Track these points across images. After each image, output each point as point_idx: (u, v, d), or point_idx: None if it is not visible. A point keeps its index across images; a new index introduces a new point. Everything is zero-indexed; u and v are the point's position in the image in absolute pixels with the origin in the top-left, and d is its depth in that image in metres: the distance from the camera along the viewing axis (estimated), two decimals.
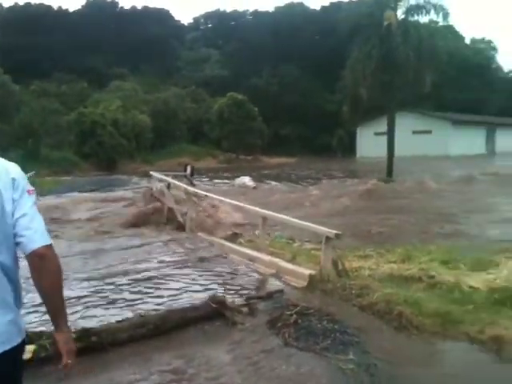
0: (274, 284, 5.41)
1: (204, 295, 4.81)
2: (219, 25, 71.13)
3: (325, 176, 27.12)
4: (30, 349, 3.40)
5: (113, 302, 4.89)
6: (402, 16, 25.34)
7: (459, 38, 64.28)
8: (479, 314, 4.42)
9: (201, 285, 5.48)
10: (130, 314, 4.37)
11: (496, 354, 3.76)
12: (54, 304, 1.87)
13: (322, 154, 47.69)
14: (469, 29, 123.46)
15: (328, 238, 5.36)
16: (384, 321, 4.43)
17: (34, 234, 1.77)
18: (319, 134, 52.55)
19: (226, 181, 24.16)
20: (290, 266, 5.87)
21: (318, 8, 65.07)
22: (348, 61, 26.26)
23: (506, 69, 70.17)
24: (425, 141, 42.13)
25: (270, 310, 4.63)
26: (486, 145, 48.09)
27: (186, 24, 75.79)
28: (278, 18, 61.13)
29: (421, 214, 12.23)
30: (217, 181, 24.38)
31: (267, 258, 6.27)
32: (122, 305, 4.79)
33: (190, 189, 9.77)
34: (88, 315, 4.48)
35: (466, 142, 43.31)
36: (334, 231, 5.39)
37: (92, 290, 5.33)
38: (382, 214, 12.31)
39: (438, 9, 24.58)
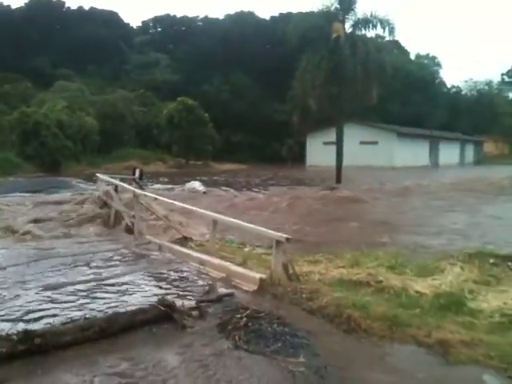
0: (224, 288, 5.34)
1: (152, 298, 4.70)
2: (169, 29, 70.25)
3: (275, 183, 27.29)
4: None
5: (58, 305, 4.70)
6: (350, 29, 26.07)
7: (404, 52, 66.81)
8: (426, 318, 4.51)
9: (149, 288, 5.36)
10: (75, 317, 4.20)
11: (443, 356, 3.83)
12: None
13: (272, 161, 48.08)
14: (414, 44, 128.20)
15: (278, 242, 5.36)
16: (334, 324, 4.44)
17: None
18: (270, 142, 53.06)
19: (176, 186, 23.84)
20: (240, 269, 5.82)
21: (267, 18, 65.35)
22: (297, 71, 26.65)
23: (448, 84, 73.62)
24: (371, 151, 43.39)
25: (220, 314, 4.57)
26: (430, 157, 50.08)
27: (134, 27, 74.18)
28: (228, 25, 61.14)
29: (365, 222, 12.52)
30: (166, 186, 24.01)
31: (217, 261, 6.20)
32: (68, 307, 4.60)
33: (138, 191, 9.55)
34: (32, 318, 4.28)
35: (411, 153, 44.99)
36: (285, 235, 5.39)
37: (36, 294, 5.10)
38: (328, 221, 12.52)
39: (385, 23, 25.43)
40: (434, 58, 72.09)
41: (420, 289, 5.30)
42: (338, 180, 25.62)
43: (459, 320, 4.51)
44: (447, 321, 4.47)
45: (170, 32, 69.47)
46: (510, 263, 5.93)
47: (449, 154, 53.04)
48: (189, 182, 22.99)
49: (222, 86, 56.72)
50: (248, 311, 4.53)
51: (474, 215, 13.56)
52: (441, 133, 53.45)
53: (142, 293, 5.11)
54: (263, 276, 5.38)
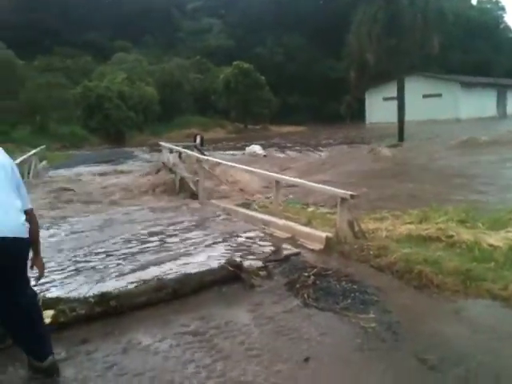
0: (290, 248, 5.38)
1: (221, 259, 4.80)
2: None
3: (336, 142, 26.88)
4: (48, 314, 3.41)
5: (131, 267, 4.91)
6: None
7: None
8: (501, 271, 4.35)
9: (217, 250, 5.48)
10: (147, 278, 4.38)
11: None
12: (35, 238, 2.95)
13: (331, 121, 47.20)
14: None
15: (343, 200, 5.30)
16: (404, 280, 4.37)
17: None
18: (327, 101, 51.97)
19: (236, 152, 24.03)
20: (305, 229, 5.83)
21: None
22: (352, 25, 25.68)
23: None
24: (435, 104, 41.54)
25: (288, 273, 4.61)
26: (497, 107, 47.34)
27: None
28: None
29: (433, 179, 12.12)
30: (227, 151, 24.25)
31: (282, 222, 6.23)
32: (140, 269, 4.80)
33: (202, 157, 9.70)
34: (106, 281, 4.50)
35: (477, 104, 42.68)
36: (350, 192, 5.32)
37: (109, 257, 5.36)
38: (394, 178, 12.22)
39: None
40: (497, 2, 67.07)
41: (493, 242, 5.09)
42: (401, 137, 24.79)
43: None
44: None
45: None
46: None
47: None
48: (249, 146, 23.14)
49: (276, 47, 55.86)
50: (315, 269, 4.54)
51: None
52: (508, 80, 50.16)
53: (210, 254, 5.24)
54: (329, 234, 5.36)
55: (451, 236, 5.32)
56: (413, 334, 3.46)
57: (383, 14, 23.74)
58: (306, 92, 52.86)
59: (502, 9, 67.34)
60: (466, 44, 53.69)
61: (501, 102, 47.88)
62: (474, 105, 42.26)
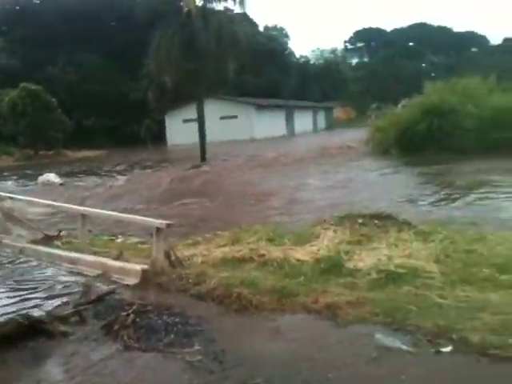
0: (103, 285, 4.98)
1: (17, 309, 4.21)
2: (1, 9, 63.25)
3: (138, 166, 26.42)
4: None
5: None
6: (202, 2, 25.84)
7: (254, 25, 67.95)
8: (311, 284, 4.65)
9: (13, 299, 4.78)
10: None
11: (332, 319, 3.97)
12: None
13: (132, 144, 46.11)
14: (262, 17, 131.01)
15: (159, 229, 5.12)
16: (224, 305, 4.39)
17: None
18: (128, 123, 50.79)
19: (28, 181, 21.87)
20: (118, 263, 5.47)
21: None
22: (151, 47, 25.81)
23: (297, 54, 77.12)
24: (232, 125, 43.93)
25: (104, 314, 4.26)
26: (287, 127, 52.13)
27: None
28: (67, 2, 56.63)
29: (237, 195, 12.68)
30: (16, 181, 21.98)
31: (91, 258, 5.76)
32: None
33: None
34: None
35: (269, 125, 46.44)
36: (165, 222, 5.17)
37: None
38: (198, 198, 12.42)
39: None
40: (281, 29, 74.67)
41: (300, 256, 5.43)
42: (203, 158, 25.57)
43: (341, 282, 4.70)
44: (331, 284, 4.64)
45: (2, 12, 62.43)
46: (376, 221, 6.34)
47: (303, 122, 55.78)
48: (42, 174, 21.20)
49: (68, 66, 52.85)
50: (134, 306, 4.28)
51: (327, 180, 14.39)
52: (295, 102, 55.83)
53: (4, 307, 4.52)
54: (145, 267, 5.11)
55: (263, 255, 5.53)
56: (239, 360, 3.45)
57: (180, 37, 24.34)
58: (105, 114, 50.86)
59: (287, 36, 74.97)
60: (257, 68, 58.15)
61: (289, 122, 52.90)
62: (266, 125, 45.84)
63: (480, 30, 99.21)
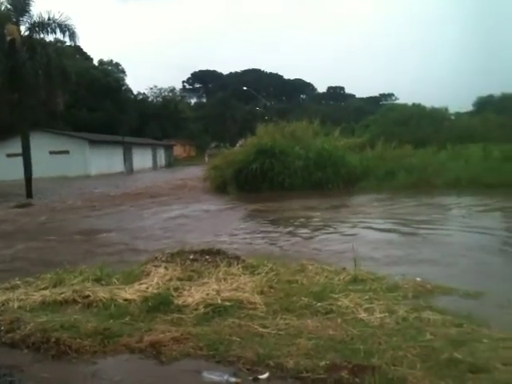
0: None
1: None
2: None
3: None
4: None
5: None
6: (27, 32, 24.39)
7: (88, 58, 65.98)
8: (137, 324, 4.54)
9: None
10: None
11: (156, 358, 3.92)
12: None
13: None
14: (98, 51, 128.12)
15: None
16: (41, 352, 4.12)
17: None
18: None
19: None
20: None
21: None
22: None
23: (135, 91, 76.38)
24: (63, 161, 41.76)
25: None
26: (125, 163, 51.04)
27: None
28: None
29: (67, 235, 11.92)
30: None
31: None
32: None
33: None
34: None
35: (105, 161, 45.11)
36: None
37: None
38: (25, 240, 11.43)
39: (64, 28, 24.50)
40: (117, 64, 73.35)
41: (128, 296, 5.29)
42: (29, 194, 23.65)
43: (168, 318, 4.68)
44: (157, 322, 4.60)
45: None
46: (207, 257, 6.45)
47: (142, 159, 55.30)
48: None
49: None
50: None
51: (161, 217, 14.33)
52: (133, 139, 55.18)
53: None
54: None
55: (87, 296, 5.29)
56: None
57: (3, 67, 22.62)
58: None
59: (123, 71, 73.57)
60: (91, 103, 56.21)
61: (127, 158, 51.86)
62: (102, 161, 44.38)
63: (307, 78, 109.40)
